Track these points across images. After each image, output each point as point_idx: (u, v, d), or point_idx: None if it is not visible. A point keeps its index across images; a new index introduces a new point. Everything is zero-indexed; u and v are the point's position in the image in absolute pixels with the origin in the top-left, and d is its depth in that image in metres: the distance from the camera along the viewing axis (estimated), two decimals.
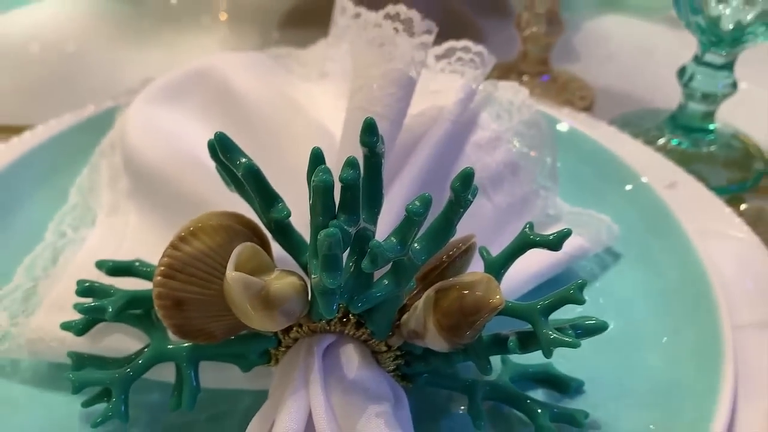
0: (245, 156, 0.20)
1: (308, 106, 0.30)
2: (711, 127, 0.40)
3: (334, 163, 0.21)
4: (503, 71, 0.47)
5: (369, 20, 0.28)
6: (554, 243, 0.20)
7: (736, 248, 0.30)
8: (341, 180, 0.18)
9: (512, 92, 0.29)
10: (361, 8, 0.29)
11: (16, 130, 0.35)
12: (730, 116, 0.41)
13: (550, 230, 0.21)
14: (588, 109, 0.44)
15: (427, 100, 0.27)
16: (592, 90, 0.46)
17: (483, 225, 0.26)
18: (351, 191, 0.18)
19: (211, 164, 0.22)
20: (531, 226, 0.21)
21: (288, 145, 0.28)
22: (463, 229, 0.20)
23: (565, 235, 0.20)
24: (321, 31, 0.46)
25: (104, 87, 0.47)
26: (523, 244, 0.21)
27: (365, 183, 0.19)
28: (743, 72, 0.38)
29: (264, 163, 0.20)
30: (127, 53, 0.51)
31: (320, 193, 0.18)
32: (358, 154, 0.19)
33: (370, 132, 0.18)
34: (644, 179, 0.32)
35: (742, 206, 0.37)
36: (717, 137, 0.40)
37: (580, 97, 0.45)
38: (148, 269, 0.23)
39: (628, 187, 0.32)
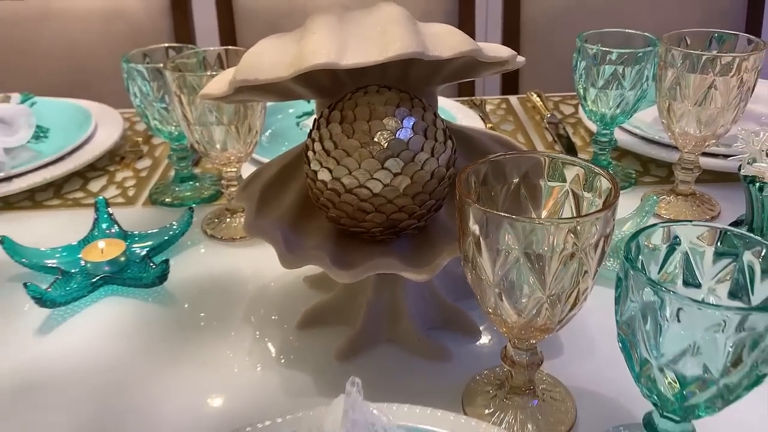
0: None
1: None
2: None
3: None
4: (498, 384, 0.53)
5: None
6: None
7: None
8: None
9: None
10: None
11: None
12: None
13: None
14: (570, 430, 0.50)
15: None
16: (573, 403, 0.52)
17: None
18: None
19: None
20: None
21: None
22: None
23: None
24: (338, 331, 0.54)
25: (153, 425, 0.53)
26: None
27: None
28: None
29: None
30: (165, 365, 0.58)
31: None
32: None
33: None
34: None
35: None
36: None
37: (560, 417, 0.51)
38: None
39: None
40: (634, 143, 0.89)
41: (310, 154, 0.54)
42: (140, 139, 1.01)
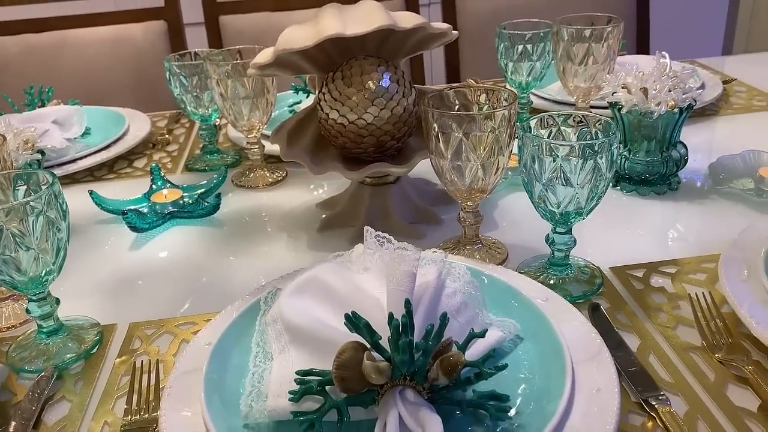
0: (361, 319, 0.52)
1: (365, 287, 0.62)
2: (569, 263, 0.74)
3: (384, 314, 0.54)
4: (455, 243, 0.81)
5: (391, 248, 0.62)
6: (481, 335, 0.52)
7: (577, 329, 0.62)
8: (398, 325, 0.50)
9: (458, 268, 0.63)
10: (382, 241, 0.64)
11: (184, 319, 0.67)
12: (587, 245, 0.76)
13: (488, 330, 0.53)
14: (504, 260, 0.78)
15: (421, 278, 0.60)
16: (506, 248, 0.80)
17: (455, 331, 0.58)
18: (405, 329, 0.51)
19: (332, 324, 0.55)
20: (472, 330, 0.53)
21: (360, 307, 0.60)
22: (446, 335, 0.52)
23: (479, 335, 0.52)
24: (346, 231, 0.80)
25: (232, 287, 0.80)
26: (470, 337, 0.53)
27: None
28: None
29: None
30: (231, 259, 0.85)
31: (399, 334, 0.50)
32: (398, 312, 0.51)
33: (407, 306, 0.51)
34: (531, 300, 0.65)
35: (588, 304, 0.70)
36: (574, 268, 0.74)
37: (499, 253, 0.79)
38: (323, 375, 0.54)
39: (524, 304, 0.65)
40: (547, 105, 1.20)
41: (322, 103, 0.82)
42: (164, 131, 1.27)
